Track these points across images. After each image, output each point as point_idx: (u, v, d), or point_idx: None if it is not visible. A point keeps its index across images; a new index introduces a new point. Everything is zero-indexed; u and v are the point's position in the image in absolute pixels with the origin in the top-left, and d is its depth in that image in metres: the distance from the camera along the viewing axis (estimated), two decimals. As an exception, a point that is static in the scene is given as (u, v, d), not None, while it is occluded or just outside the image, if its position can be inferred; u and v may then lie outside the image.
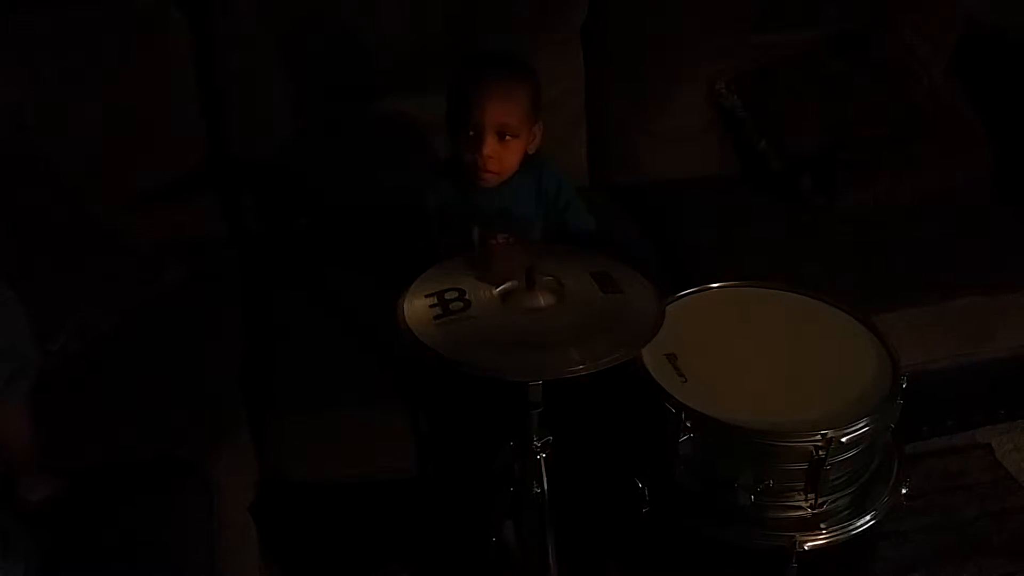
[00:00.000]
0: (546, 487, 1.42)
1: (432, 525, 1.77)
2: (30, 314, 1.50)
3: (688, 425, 1.36)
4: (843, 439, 1.32)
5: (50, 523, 1.39)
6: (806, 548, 1.36)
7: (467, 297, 1.31)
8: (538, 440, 1.40)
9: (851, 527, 1.40)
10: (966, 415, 2.15)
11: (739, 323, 1.57)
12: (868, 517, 1.41)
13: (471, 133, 1.56)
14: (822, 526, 1.38)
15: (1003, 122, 2.27)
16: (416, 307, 1.30)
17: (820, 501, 1.38)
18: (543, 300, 1.31)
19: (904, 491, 1.46)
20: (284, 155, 2.06)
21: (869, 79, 2.25)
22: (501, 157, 1.58)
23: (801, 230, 2.07)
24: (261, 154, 2.07)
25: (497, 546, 1.62)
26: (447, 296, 1.31)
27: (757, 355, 1.50)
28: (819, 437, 1.32)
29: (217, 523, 1.52)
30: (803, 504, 1.38)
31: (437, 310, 1.29)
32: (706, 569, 1.48)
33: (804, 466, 1.34)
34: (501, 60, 1.63)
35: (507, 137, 1.57)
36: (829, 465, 1.33)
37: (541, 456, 1.40)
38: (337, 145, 2.07)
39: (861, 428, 1.34)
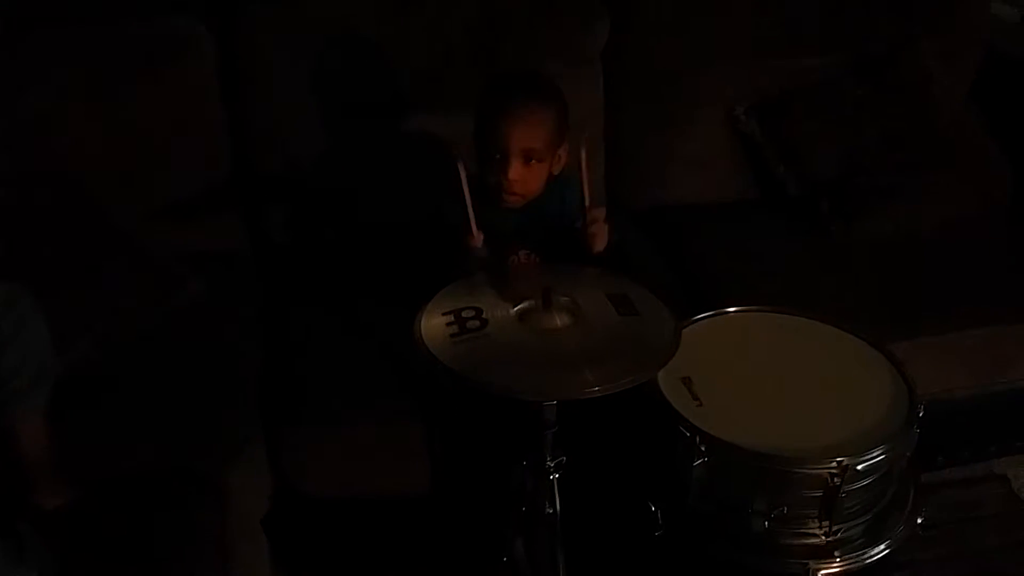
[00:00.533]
0: (558, 508, 1.42)
1: (444, 543, 1.77)
2: (50, 323, 1.52)
3: (702, 449, 1.35)
4: (859, 467, 1.32)
5: (65, 531, 1.39)
6: (820, 576, 1.35)
7: (484, 316, 1.31)
8: (551, 460, 1.39)
9: (865, 556, 1.39)
10: (982, 446, 2.13)
11: (755, 348, 1.57)
12: (883, 546, 1.40)
13: (497, 156, 1.57)
14: (836, 554, 1.37)
15: (1023, 149, 2.27)
16: (433, 325, 1.30)
17: (835, 529, 1.37)
18: (559, 320, 1.31)
19: (920, 520, 1.45)
20: (307, 170, 2.07)
21: (889, 105, 2.25)
22: (526, 180, 1.59)
23: (819, 256, 2.07)
24: (284, 169, 2.08)
25: (508, 566, 1.62)
26: (464, 314, 1.31)
27: (773, 381, 1.49)
28: (834, 464, 1.31)
29: (230, 535, 1.52)
30: (817, 531, 1.37)
31: (454, 328, 1.29)
32: (718, 595, 1.47)
33: (819, 493, 1.34)
34: (528, 83, 1.63)
35: (533, 161, 1.57)
36: (844, 493, 1.33)
37: (554, 476, 1.40)
38: (360, 160, 2.09)
39: (877, 456, 1.34)
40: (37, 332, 1.50)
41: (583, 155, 1.48)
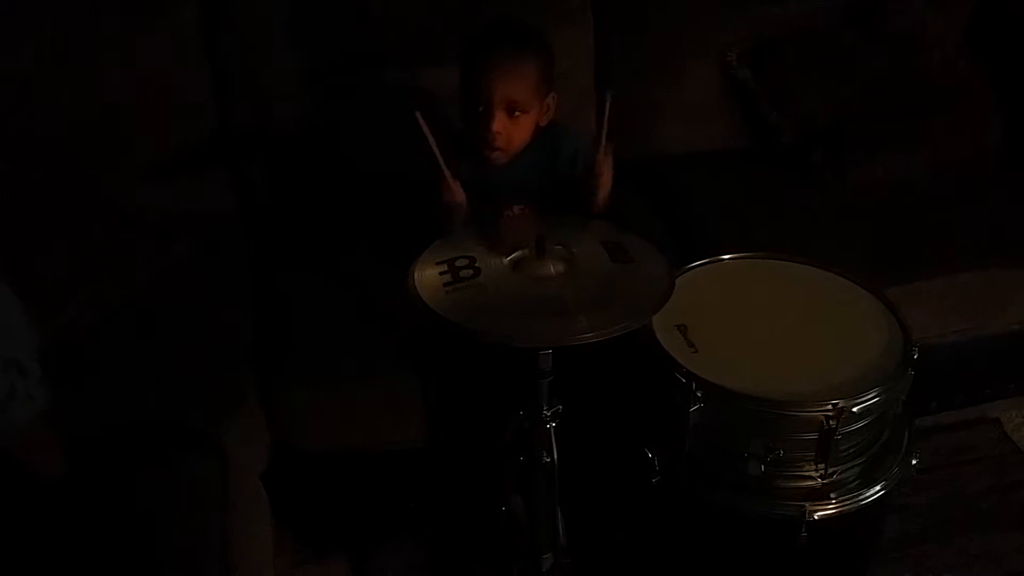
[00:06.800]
0: (556, 456, 1.42)
1: (442, 494, 1.78)
2: (39, 285, 1.49)
3: (698, 395, 1.36)
4: (854, 409, 1.33)
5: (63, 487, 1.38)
6: (816, 518, 1.37)
7: (477, 265, 1.31)
8: (548, 409, 1.39)
9: (861, 497, 1.40)
10: (976, 389, 2.14)
11: (750, 294, 1.57)
12: (878, 487, 1.41)
13: (480, 109, 1.55)
14: (832, 496, 1.38)
15: (1015, 94, 2.25)
16: (427, 275, 1.29)
17: (830, 471, 1.38)
18: (553, 268, 1.31)
19: (914, 462, 1.46)
20: (293, 127, 2.05)
21: (881, 51, 2.23)
22: (510, 133, 1.57)
23: (812, 203, 2.06)
24: (270, 126, 2.06)
25: (506, 515, 1.63)
26: (457, 264, 1.31)
27: (768, 326, 1.50)
28: (830, 407, 1.32)
29: (228, 490, 1.53)
30: (813, 474, 1.38)
31: (447, 277, 1.28)
32: (716, 538, 1.48)
33: (814, 436, 1.34)
34: (512, 33, 1.60)
35: (516, 113, 1.55)
36: (839, 435, 1.33)
37: (551, 425, 1.40)
38: (345, 116, 2.06)
39: (872, 398, 1.34)
40: (9, 320, 1.43)
41: (608, 107, 1.44)
